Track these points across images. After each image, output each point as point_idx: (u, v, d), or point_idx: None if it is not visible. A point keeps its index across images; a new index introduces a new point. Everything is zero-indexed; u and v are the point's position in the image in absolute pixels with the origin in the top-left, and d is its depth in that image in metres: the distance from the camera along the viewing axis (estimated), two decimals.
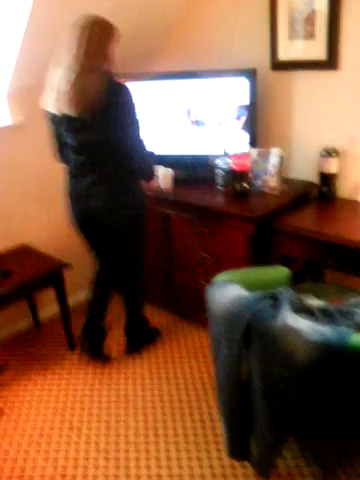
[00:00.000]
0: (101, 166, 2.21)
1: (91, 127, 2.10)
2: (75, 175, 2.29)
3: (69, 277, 2.75)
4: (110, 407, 2.36)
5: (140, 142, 2.19)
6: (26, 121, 2.73)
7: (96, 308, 2.63)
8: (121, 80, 2.17)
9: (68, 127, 2.15)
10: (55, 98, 2.08)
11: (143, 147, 2.21)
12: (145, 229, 2.46)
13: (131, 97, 2.09)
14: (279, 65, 2.60)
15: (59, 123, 2.18)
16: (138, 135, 2.17)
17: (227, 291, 1.73)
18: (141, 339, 2.75)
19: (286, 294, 1.64)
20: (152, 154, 2.38)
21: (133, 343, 2.72)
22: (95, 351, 2.65)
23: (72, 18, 2.22)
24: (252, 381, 1.62)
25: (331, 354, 1.43)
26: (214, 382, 2.42)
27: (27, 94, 2.65)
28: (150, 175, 2.36)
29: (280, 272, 2.06)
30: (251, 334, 1.56)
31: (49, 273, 2.62)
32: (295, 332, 1.46)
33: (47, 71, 2.12)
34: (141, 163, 2.25)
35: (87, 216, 2.34)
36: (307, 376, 1.49)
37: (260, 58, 2.64)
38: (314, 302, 1.70)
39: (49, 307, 3.05)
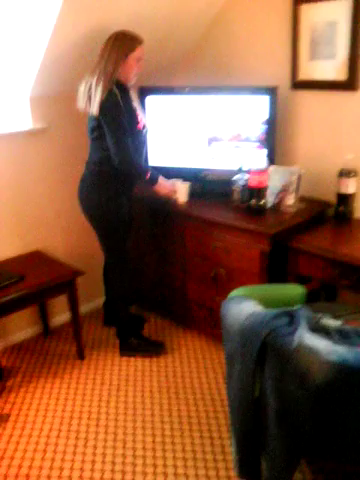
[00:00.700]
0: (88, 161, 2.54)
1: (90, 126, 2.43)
2: None
3: (82, 285, 2.75)
4: (118, 419, 2.34)
5: (119, 145, 2.34)
6: (47, 126, 2.76)
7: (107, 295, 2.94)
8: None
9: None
10: (79, 97, 2.40)
11: (122, 150, 2.35)
12: (115, 231, 2.56)
13: (113, 101, 2.31)
14: (299, 84, 2.62)
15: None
16: (117, 137, 2.34)
17: (243, 307, 1.73)
18: (124, 334, 2.79)
19: (303, 312, 1.63)
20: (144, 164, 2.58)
21: (120, 340, 2.79)
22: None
23: (96, 29, 2.31)
24: (266, 400, 1.61)
25: (348, 375, 1.41)
26: (224, 398, 2.42)
27: (49, 99, 2.69)
28: (135, 176, 2.54)
29: (295, 290, 2.05)
30: (267, 352, 1.55)
31: (62, 280, 2.62)
32: (312, 351, 1.45)
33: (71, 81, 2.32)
34: (120, 165, 2.39)
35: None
36: (323, 397, 1.47)
37: (281, 76, 2.67)
38: (331, 322, 1.68)
39: (61, 314, 3.06)
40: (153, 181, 2.55)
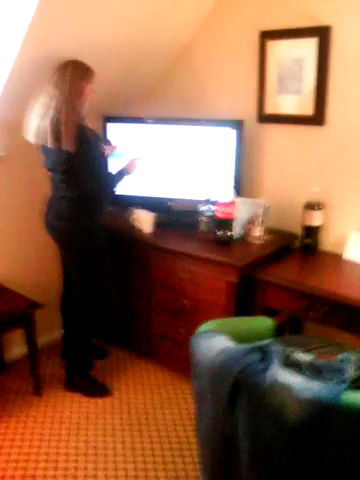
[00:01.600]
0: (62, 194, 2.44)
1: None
2: None
3: (39, 315, 2.62)
4: (78, 460, 2.21)
5: (100, 177, 2.38)
6: (5, 161, 2.67)
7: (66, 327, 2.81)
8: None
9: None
10: (35, 131, 2.28)
11: (103, 181, 2.40)
12: (95, 259, 2.48)
13: (85, 134, 2.25)
14: (266, 118, 2.65)
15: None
16: (96, 170, 2.35)
17: (213, 342, 1.67)
18: (73, 372, 2.67)
19: (274, 347, 1.60)
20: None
21: (68, 376, 2.67)
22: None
23: (56, 60, 2.25)
24: (238, 440, 1.55)
25: (323, 412, 1.38)
26: (190, 435, 2.34)
27: (7, 127, 2.60)
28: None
29: (265, 323, 2.02)
30: (239, 390, 1.50)
31: (18, 314, 2.50)
32: (285, 388, 1.41)
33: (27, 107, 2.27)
34: (105, 194, 2.46)
35: None
36: (297, 435, 1.42)
37: (248, 110, 2.69)
38: (303, 356, 1.65)
39: (16, 347, 2.90)
40: (121, 177, 2.51)
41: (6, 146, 2.66)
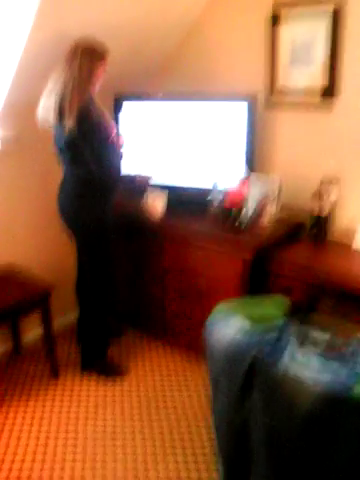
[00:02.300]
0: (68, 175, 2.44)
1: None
2: None
3: (55, 299, 2.64)
4: (96, 439, 2.24)
5: (100, 157, 2.31)
6: (18, 139, 2.65)
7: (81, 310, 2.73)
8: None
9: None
10: (42, 108, 2.28)
11: (104, 162, 2.33)
12: (102, 241, 2.47)
13: (89, 114, 2.22)
14: (278, 91, 2.58)
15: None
16: (97, 150, 2.29)
17: (229, 323, 1.66)
18: (92, 356, 2.70)
19: (291, 326, 1.58)
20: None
21: (84, 358, 2.70)
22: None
23: (69, 37, 2.21)
24: (253, 424, 1.55)
25: (335, 403, 1.37)
26: (207, 414, 2.35)
27: (19, 112, 2.56)
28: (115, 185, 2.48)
29: (280, 302, 2.00)
30: (254, 375, 1.49)
31: (35, 298, 2.51)
32: (298, 380, 1.40)
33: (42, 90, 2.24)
34: (103, 176, 2.37)
35: None
36: (309, 425, 1.41)
37: (259, 83, 2.63)
38: (319, 335, 1.64)
39: (33, 330, 2.93)
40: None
41: (20, 129, 2.63)
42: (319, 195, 2.41)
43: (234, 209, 2.41)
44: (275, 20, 2.48)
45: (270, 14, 2.50)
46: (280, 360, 1.46)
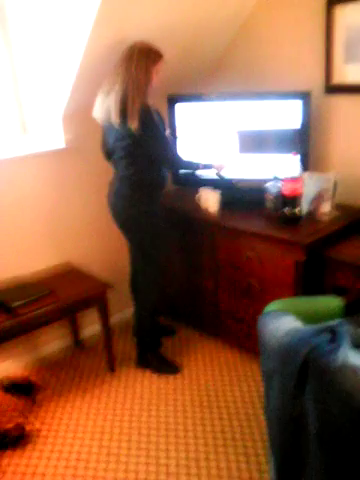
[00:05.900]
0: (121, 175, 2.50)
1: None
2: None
3: (112, 295, 2.72)
4: (150, 434, 2.29)
5: (167, 152, 2.41)
6: (78, 143, 2.75)
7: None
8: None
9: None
10: (101, 108, 2.35)
11: (171, 155, 2.45)
12: (153, 241, 2.52)
13: (150, 113, 2.27)
14: (333, 88, 2.53)
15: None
16: (163, 145, 2.38)
17: (281, 323, 1.65)
18: (143, 347, 2.75)
19: (344, 328, 1.55)
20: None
21: (139, 354, 2.75)
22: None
23: (124, 41, 2.27)
24: (306, 420, 1.53)
25: None
26: (259, 413, 2.34)
27: (80, 116, 2.66)
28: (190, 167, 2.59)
29: (333, 302, 1.96)
30: (308, 371, 1.47)
31: (93, 294, 2.59)
32: (356, 372, 1.37)
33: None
34: (172, 168, 2.59)
35: None
36: None
37: (314, 81, 2.58)
38: None
39: (91, 325, 3.03)
40: (196, 166, 2.57)
41: (79, 135, 2.74)
42: None
43: (292, 197, 2.37)
44: (329, 14, 2.42)
45: (325, 8, 2.44)
46: (333, 362, 1.43)
